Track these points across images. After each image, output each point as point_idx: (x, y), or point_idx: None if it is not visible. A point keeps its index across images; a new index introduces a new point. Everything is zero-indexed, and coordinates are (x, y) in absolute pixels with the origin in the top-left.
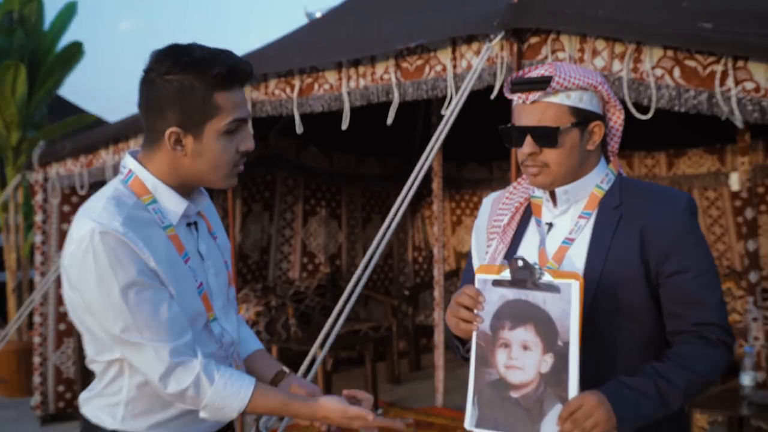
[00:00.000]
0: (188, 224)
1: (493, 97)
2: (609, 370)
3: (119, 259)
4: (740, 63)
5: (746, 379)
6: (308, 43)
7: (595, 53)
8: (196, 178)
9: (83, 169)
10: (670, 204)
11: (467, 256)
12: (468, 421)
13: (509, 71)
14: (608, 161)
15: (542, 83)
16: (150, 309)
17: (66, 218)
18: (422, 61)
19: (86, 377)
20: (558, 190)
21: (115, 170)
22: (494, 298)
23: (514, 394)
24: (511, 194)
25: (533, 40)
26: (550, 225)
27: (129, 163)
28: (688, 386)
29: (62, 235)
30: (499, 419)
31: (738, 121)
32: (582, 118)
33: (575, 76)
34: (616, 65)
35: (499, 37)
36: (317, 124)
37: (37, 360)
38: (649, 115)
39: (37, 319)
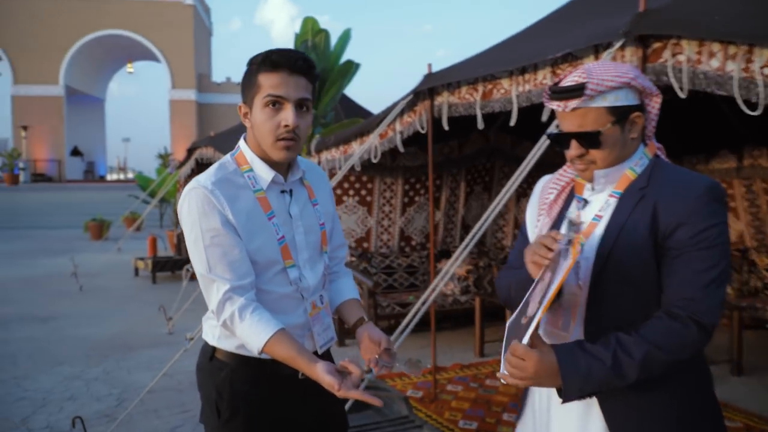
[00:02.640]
0: (282, 191)
1: None
2: (609, 330)
3: (205, 210)
4: None
5: None
6: (490, 58)
7: (711, 55)
8: (262, 149)
9: (341, 155)
10: (689, 187)
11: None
12: None
13: None
14: (645, 144)
15: (577, 91)
16: (221, 252)
17: (333, 191)
18: (572, 68)
19: None
20: (597, 173)
21: (361, 157)
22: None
23: (523, 321)
24: (561, 176)
25: (656, 45)
26: (586, 202)
27: (240, 140)
28: (645, 358)
29: None
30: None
31: None
32: (620, 114)
33: (608, 79)
34: (729, 65)
35: (620, 43)
36: (532, 122)
37: None
38: (758, 112)
39: None
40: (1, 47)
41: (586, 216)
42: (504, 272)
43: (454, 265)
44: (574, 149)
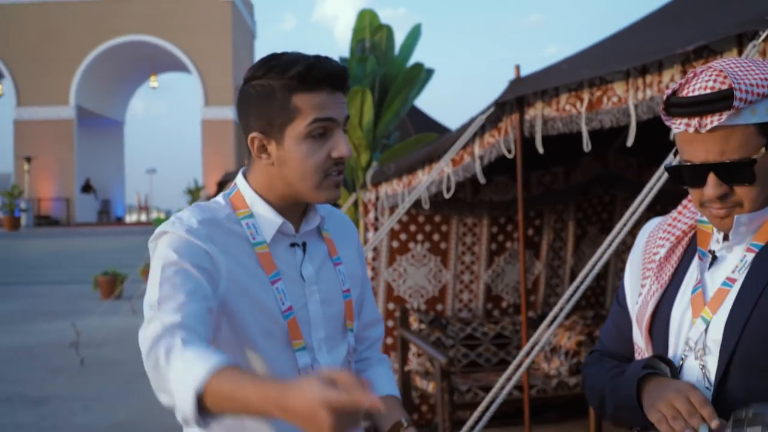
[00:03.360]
0: (292, 245)
1: None
2: None
3: (180, 253)
4: None
5: None
6: (598, 55)
7: None
8: (289, 190)
9: (404, 188)
10: None
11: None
12: None
13: None
14: None
15: (721, 102)
16: (179, 281)
17: (396, 236)
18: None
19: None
20: (738, 219)
21: (429, 190)
22: None
23: None
24: (675, 220)
25: None
26: (715, 258)
27: (238, 177)
28: None
29: (391, 251)
30: None
31: None
32: None
33: (757, 84)
34: None
35: (767, 32)
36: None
37: None
38: None
39: None
40: (3, 62)
41: (714, 279)
42: (595, 363)
43: (550, 330)
44: (713, 188)
